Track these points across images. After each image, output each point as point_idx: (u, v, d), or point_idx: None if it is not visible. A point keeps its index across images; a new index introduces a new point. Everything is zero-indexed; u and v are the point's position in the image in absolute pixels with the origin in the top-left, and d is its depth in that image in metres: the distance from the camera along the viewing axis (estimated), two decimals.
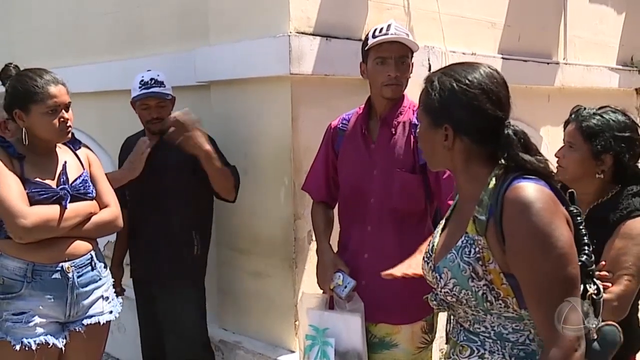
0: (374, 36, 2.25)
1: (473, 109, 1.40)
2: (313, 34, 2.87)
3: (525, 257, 1.30)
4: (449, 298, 1.44)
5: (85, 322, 2.28)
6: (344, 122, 2.46)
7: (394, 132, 2.30)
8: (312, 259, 2.96)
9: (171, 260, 2.84)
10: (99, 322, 2.32)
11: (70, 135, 2.29)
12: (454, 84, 1.41)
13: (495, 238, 1.35)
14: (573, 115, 2.03)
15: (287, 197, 2.90)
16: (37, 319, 2.16)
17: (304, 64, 2.81)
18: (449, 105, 1.41)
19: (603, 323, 1.40)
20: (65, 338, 2.23)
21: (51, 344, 2.18)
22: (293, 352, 2.97)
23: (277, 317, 3.03)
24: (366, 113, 2.38)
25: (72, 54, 4.26)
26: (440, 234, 1.57)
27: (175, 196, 2.84)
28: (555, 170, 1.99)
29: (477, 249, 1.37)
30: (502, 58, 4.31)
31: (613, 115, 1.96)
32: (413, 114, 2.28)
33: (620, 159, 1.93)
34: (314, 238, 2.97)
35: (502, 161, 1.42)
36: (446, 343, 1.58)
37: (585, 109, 2.01)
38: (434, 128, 1.45)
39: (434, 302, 1.53)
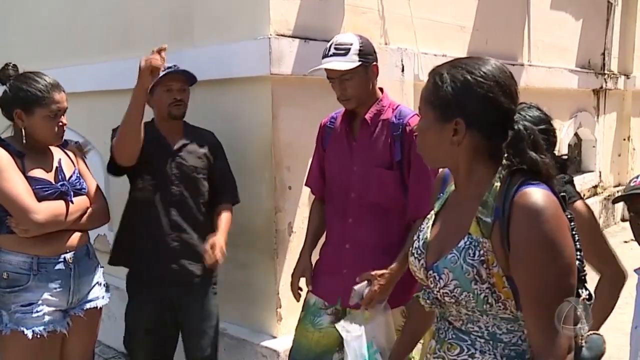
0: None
1: (488, 102, 1.27)
2: (292, 36, 2.83)
3: (531, 263, 1.20)
4: (446, 299, 1.31)
5: (85, 307, 2.30)
6: (332, 120, 2.43)
7: (373, 131, 2.28)
8: (292, 249, 2.94)
9: (198, 262, 2.54)
10: (96, 307, 2.36)
11: (62, 139, 2.30)
12: (468, 76, 1.27)
13: (499, 241, 1.24)
14: None
15: (269, 191, 2.86)
16: (45, 309, 2.16)
17: (284, 65, 2.77)
18: (463, 98, 1.27)
19: (590, 332, 1.36)
20: (68, 324, 2.24)
21: (58, 331, 2.20)
22: (275, 337, 2.94)
23: (260, 305, 2.99)
24: (349, 112, 2.35)
25: (65, 55, 4.16)
26: (432, 229, 1.43)
27: (196, 199, 2.58)
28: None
29: (481, 252, 1.25)
30: None
31: (529, 110, 1.98)
32: (392, 113, 2.27)
33: (545, 147, 1.95)
34: (294, 230, 2.94)
35: (505, 160, 1.28)
36: (433, 338, 1.46)
37: None
38: (441, 123, 1.29)
39: (427, 301, 1.40)
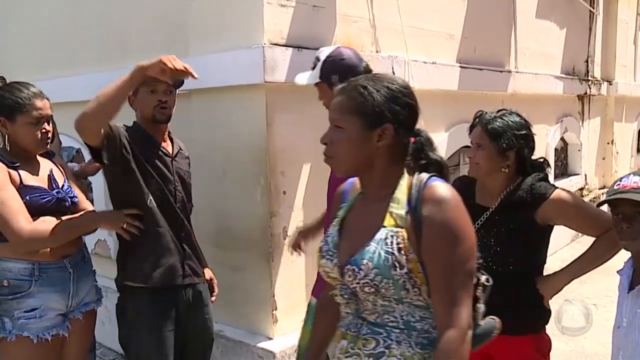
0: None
1: (411, 108, 1.41)
2: (286, 45, 2.84)
3: (437, 246, 1.31)
4: (366, 289, 1.36)
5: (82, 309, 2.31)
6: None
7: None
8: (287, 253, 2.94)
9: (201, 264, 2.50)
10: (93, 309, 2.38)
11: (48, 145, 2.27)
12: (391, 86, 1.39)
13: (412, 229, 1.34)
14: (477, 120, 2.10)
15: (263, 196, 2.86)
16: (48, 313, 2.16)
17: (278, 73, 2.78)
18: (393, 105, 1.38)
19: (488, 316, 1.49)
20: (68, 327, 2.24)
21: (61, 334, 2.20)
22: (271, 339, 2.93)
23: (256, 307, 2.99)
24: None
25: (61, 65, 4.15)
26: (339, 232, 1.48)
27: (190, 205, 2.49)
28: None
29: (398, 240, 1.34)
30: (460, 67, 4.32)
31: (511, 117, 2.06)
32: None
33: (521, 154, 2.05)
34: (289, 234, 2.95)
35: (411, 161, 1.43)
36: (343, 339, 1.46)
37: (487, 113, 2.09)
38: (368, 130, 1.37)
39: (344, 297, 1.43)
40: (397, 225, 1.35)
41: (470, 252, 1.34)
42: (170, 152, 2.40)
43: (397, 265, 1.33)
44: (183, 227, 2.39)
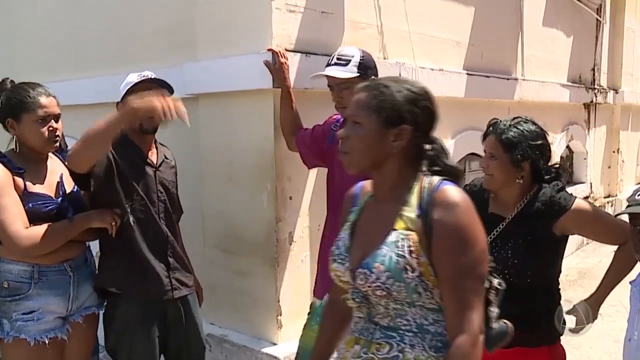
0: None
1: (429, 112, 1.40)
2: (294, 51, 2.81)
3: (449, 250, 1.30)
4: (378, 292, 1.34)
5: (83, 313, 2.27)
6: (336, 124, 2.49)
7: None
8: (292, 258, 2.92)
9: (189, 271, 2.47)
10: (94, 313, 2.32)
11: (57, 145, 2.21)
12: (413, 89, 1.39)
13: (423, 233, 1.33)
14: (491, 128, 2.02)
15: (270, 201, 2.83)
16: (46, 316, 2.13)
17: None
18: (412, 107, 1.37)
19: (501, 320, 1.46)
20: (68, 330, 2.21)
21: (59, 337, 2.17)
22: (275, 344, 2.90)
23: (261, 312, 2.96)
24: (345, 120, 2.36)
25: (69, 69, 4.14)
26: (350, 236, 1.47)
27: (175, 215, 2.44)
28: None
29: (409, 243, 1.32)
30: (467, 74, 4.28)
31: (526, 125, 1.98)
32: None
33: (536, 164, 1.98)
34: (294, 239, 2.92)
35: (425, 165, 1.42)
36: (356, 344, 1.44)
37: (501, 121, 2.01)
38: (386, 128, 1.36)
39: (356, 301, 1.41)
40: (407, 228, 1.34)
41: (481, 256, 1.32)
42: (155, 162, 2.34)
43: (408, 268, 1.31)
44: (167, 241, 2.34)
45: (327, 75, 2.34)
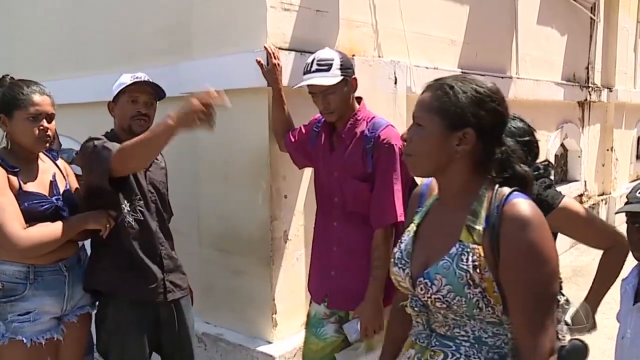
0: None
1: (498, 115, 1.31)
2: (288, 49, 2.80)
3: (520, 270, 1.22)
4: (437, 304, 1.29)
5: (77, 312, 2.25)
6: (318, 125, 2.48)
7: (348, 144, 2.30)
8: (287, 256, 2.91)
9: (184, 272, 2.47)
10: (88, 312, 2.31)
11: (48, 145, 2.17)
12: (479, 89, 1.30)
13: (489, 248, 1.25)
14: None
15: (265, 200, 2.82)
16: (42, 317, 2.11)
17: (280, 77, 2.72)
18: (477, 109, 1.29)
19: (572, 337, 1.38)
20: (63, 330, 2.19)
21: (55, 338, 2.15)
22: (270, 343, 2.89)
23: (256, 311, 2.94)
24: (329, 123, 2.38)
25: (69, 69, 4.11)
26: (414, 240, 1.42)
27: (166, 215, 2.43)
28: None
29: (474, 257, 1.25)
30: (462, 72, 4.27)
31: (513, 122, 1.97)
32: (366, 125, 2.29)
33: (523, 161, 1.94)
34: (289, 238, 2.91)
35: (494, 172, 1.33)
36: (411, 348, 1.43)
37: None
38: (449, 131, 1.29)
39: (414, 309, 1.38)
40: (473, 242, 1.27)
41: (554, 275, 1.25)
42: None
43: (471, 283, 1.25)
44: (161, 243, 2.34)
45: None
